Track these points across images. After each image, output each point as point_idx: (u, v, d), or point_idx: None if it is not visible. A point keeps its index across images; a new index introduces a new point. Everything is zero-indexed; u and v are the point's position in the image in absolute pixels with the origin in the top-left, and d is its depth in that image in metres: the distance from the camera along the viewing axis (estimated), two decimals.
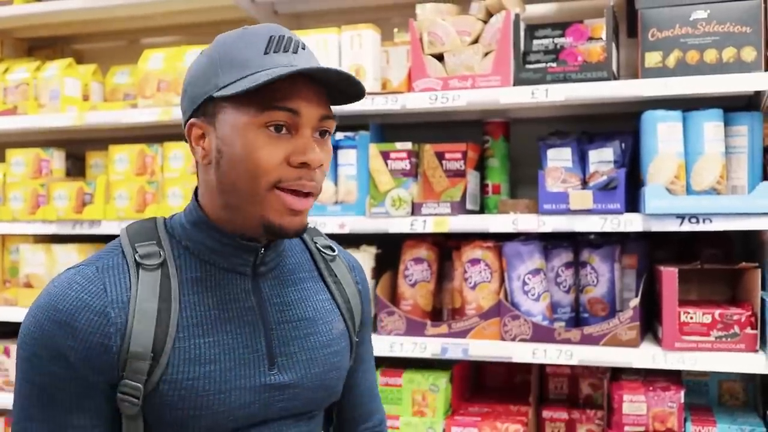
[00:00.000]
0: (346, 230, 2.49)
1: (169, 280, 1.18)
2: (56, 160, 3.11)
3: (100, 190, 2.86)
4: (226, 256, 1.23)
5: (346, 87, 1.21)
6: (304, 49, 1.21)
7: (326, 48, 2.54)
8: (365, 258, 2.58)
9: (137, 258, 1.18)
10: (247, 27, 1.22)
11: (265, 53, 1.16)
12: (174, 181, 2.80)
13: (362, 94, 1.23)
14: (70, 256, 2.93)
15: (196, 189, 1.28)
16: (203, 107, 1.19)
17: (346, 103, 1.26)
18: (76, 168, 3.27)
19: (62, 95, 2.95)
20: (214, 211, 1.23)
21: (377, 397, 1.52)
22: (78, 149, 3.28)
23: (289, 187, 1.16)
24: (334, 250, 1.41)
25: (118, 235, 1.25)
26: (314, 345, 1.28)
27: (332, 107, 1.23)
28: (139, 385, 1.12)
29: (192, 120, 1.21)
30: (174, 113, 2.71)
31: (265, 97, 1.14)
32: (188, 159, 2.80)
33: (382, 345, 2.42)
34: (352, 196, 2.56)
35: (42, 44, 3.50)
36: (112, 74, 3.12)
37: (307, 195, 1.19)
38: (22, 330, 1.16)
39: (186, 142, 1.25)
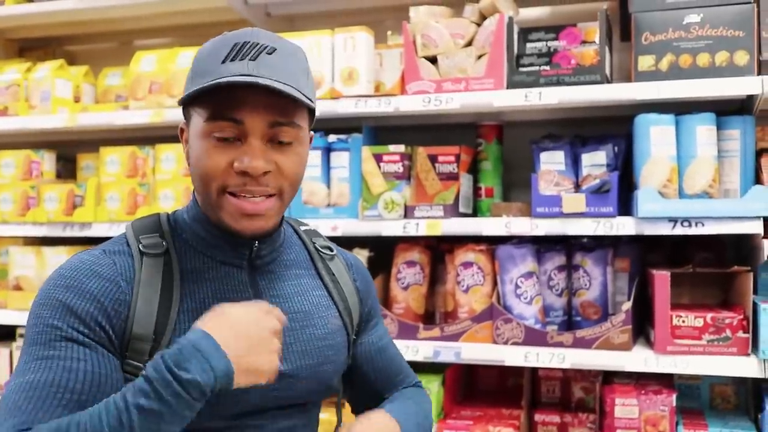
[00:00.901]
0: (338, 233, 2.48)
1: (171, 269, 1.23)
2: (47, 161, 3.09)
3: (91, 192, 2.85)
4: (223, 249, 1.28)
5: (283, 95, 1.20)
6: (270, 54, 1.20)
7: (319, 50, 2.54)
8: None
9: (141, 248, 1.23)
10: (226, 33, 1.25)
11: (223, 62, 1.19)
12: (165, 183, 2.79)
13: (309, 105, 1.24)
14: (60, 258, 2.92)
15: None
16: (184, 112, 1.28)
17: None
18: (67, 170, 3.25)
19: (53, 96, 2.93)
20: (202, 207, 1.29)
21: (402, 365, 1.55)
22: (69, 151, 3.26)
23: (237, 193, 1.21)
24: (332, 250, 1.46)
25: (110, 238, 1.32)
26: (309, 337, 1.31)
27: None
28: (140, 365, 1.16)
29: (182, 123, 1.31)
30: (166, 115, 2.70)
31: (214, 106, 1.19)
32: (180, 161, 2.79)
33: None
34: (345, 198, 2.55)
35: (33, 45, 3.49)
36: (103, 76, 3.11)
37: (267, 197, 1.22)
38: (30, 312, 1.19)
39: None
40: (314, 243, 1.44)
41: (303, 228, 1.47)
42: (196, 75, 1.22)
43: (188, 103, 1.23)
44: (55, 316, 1.15)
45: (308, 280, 1.38)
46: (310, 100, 1.24)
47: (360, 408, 1.51)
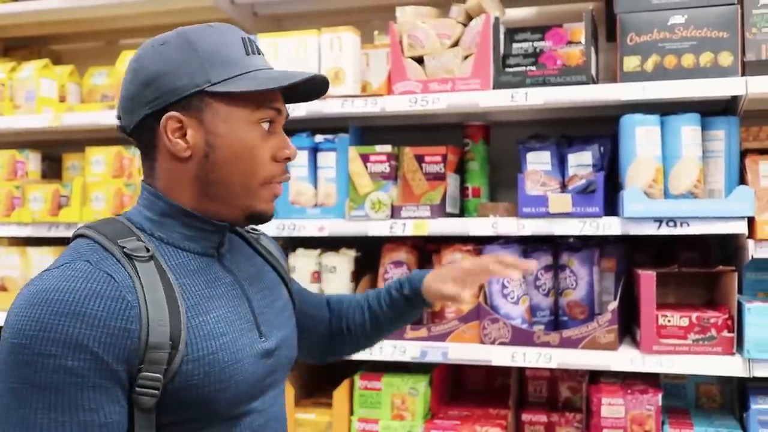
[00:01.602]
0: (325, 233, 2.48)
1: (164, 270, 1.19)
2: (32, 161, 3.07)
3: (77, 192, 2.83)
4: (198, 241, 1.27)
5: (311, 92, 1.33)
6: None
7: (306, 50, 2.53)
8: (345, 261, 2.57)
9: (127, 251, 1.15)
10: (212, 24, 1.26)
11: (247, 54, 1.24)
12: None
13: (323, 94, 1.35)
14: (46, 258, 2.90)
15: (147, 182, 1.28)
16: (184, 100, 1.20)
17: (302, 101, 1.37)
18: (52, 170, 3.23)
19: (38, 96, 2.91)
20: (183, 202, 1.26)
21: (317, 294, 1.74)
22: (54, 151, 3.24)
23: (279, 181, 1.28)
24: (257, 230, 1.52)
25: (76, 238, 1.21)
26: (278, 311, 1.38)
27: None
28: (159, 375, 1.11)
29: (171, 113, 1.20)
30: None
31: (260, 95, 1.22)
32: None
33: None
34: (332, 198, 2.55)
35: (18, 45, 3.46)
36: (89, 75, 3.09)
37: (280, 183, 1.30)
38: (7, 336, 1.06)
39: (127, 134, 1.27)
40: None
41: None
42: (217, 64, 1.20)
43: (203, 91, 1.20)
44: (65, 354, 1.03)
45: (256, 259, 1.43)
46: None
47: (311, 352, 1.70)
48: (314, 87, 1.31)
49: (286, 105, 1.31)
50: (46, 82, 2.96)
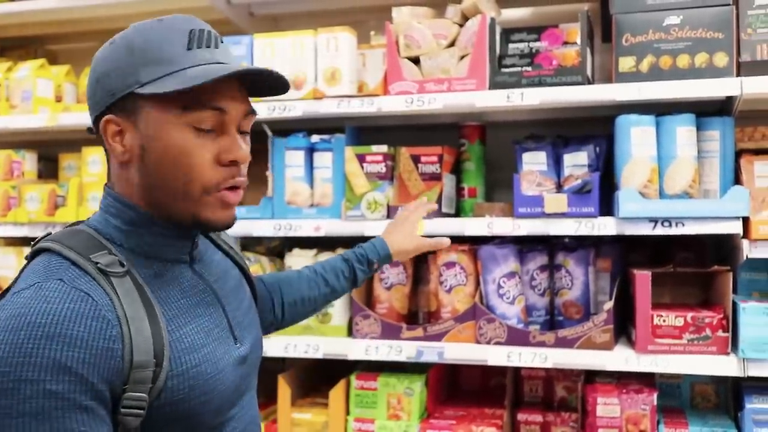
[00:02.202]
0: (321, 233, 2.48)
1: (140, 285, 1.13)
2: (28, 161, 3.07)
3: (73, 192, 2.83)
4: (169, 248, 1.21)
5: (274, 83, 1.22)
6: (222, 42, 1.20)
7: (302, 50, 2.53)
8: None
9: (101, 267, 1.10)
10: (163, 18, 1.19)
11: (188, 48, 1.14)
12: None
13: (288, 88, 1.25)
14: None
15: (108, 189, 1.23)
16: (121, 102, 1.15)
17: (268, 95, 1.27)
18: (49, 170, 3.23)
19: (34, 96, 2.91)
20: (146, 207, 1.19)
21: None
22: (50, 151, 3.24)
23: (227, 187, 1.17)
24: None
25: (41, 252, 1.14)
26: (245, 311, 1.35)
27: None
28: (144, 395, 1.07)
29: (109, 116, 1.16)
30: None
31: (191, 95, 1.12)
32: None
33: (358, 348, 2.41)
34: (328, 199, 2.55)
35: (14, 44, 3.46)
36: (85, 75, 3.09)
37: (238, 188, 1.20)
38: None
39: (95, 136, 1.22)
40: None
41: None
42: (150, 62, 1.13)
43: (133, 92, 1.13)
44: (47, 378, 0.98)
45: (220, 257, 1.38)
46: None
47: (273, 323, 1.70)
48: (277, 81, 1.22)
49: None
50: (43, 82, 2.96)
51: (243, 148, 1.18)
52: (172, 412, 1.12)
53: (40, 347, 0.98)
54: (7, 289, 1.12)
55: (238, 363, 1.25)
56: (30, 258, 1.17)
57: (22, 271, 1.15)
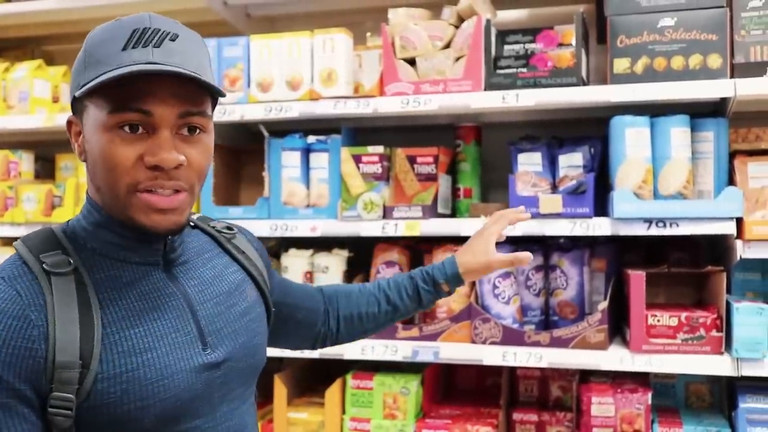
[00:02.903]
0: (317, 233, 2.49)
1: (84, 285, 1.13)
2: (25, 161, 3.07)
3: (70, 192, 2.84)
4: (136, 250, 1.20)
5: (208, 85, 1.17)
6: (174, 41, 1.15)
7: (299, 51, 2.54)
8: (337, 261, 2.58)
9: (45, 267, 1.12)
10: (120, 18, 1.17)
11: (123, 49, 1.12)
12: None
13: (219, 93, 1.18)
14: None
15: (87, 191, 1.25)
16: (77, 104, 1.18)
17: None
18: (46, 170, 3.23)
19: (31, 96, 2.92)
20: (104, 208, 1.19)
21: (306, 285, 1.69)
22: (47, 151, 3.25)
23: (147, 189, 1.14)
24: (233, 229, 1.44)
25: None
26: (235, 316, 1.29)
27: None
28: (70, 395, 1.07)
29: (70, 117, 1.21)
30: None
31: (118, 96, 1.11)
32: None
33: (354, 348, 2.42)
34: (324, 199, 2.56)
35: (11, 45, 3.46)
36: None
37: (176, 192, 1.16)
38: None
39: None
40: (213, 227, 1.41)
41: (194, 216, 1.42)
42: (90, 64, 1.13)
43: (83, 94, 1.12)
44: None
45: (219, 260, 1.34)
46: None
47: (298, 341, 1.64)
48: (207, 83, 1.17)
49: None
50: (40, 83, 2.96)
51: (169, 151, 1.13)
52: (104, 415, 1.10)
53: None
54: None
55: (204, 370, 1.20)
56: None
57: None
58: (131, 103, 1.11)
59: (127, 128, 1.12)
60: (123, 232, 1.18)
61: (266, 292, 1.42)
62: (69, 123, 1.21)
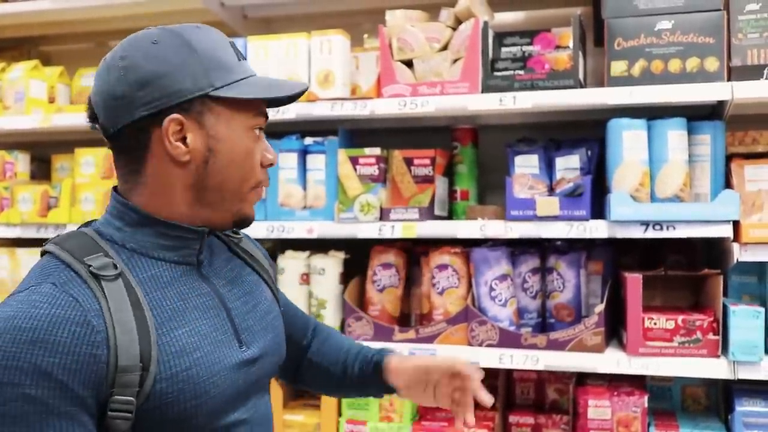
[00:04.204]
0: (314, 235, 2.48)
1: (132, 287, 1.14)
2: (21, 162, 3.07)
3: (66, 193, 2.83)
4: (175, 249, 1.23)
5: (284, 99, 1.29)
6: None
7: (296, 53, 2.54)
8: (333, 263, 2.58)
9: (93, 270, 1.11)
10: (199, 26, 1.24)
11: (239, 59, 1.24)
12: None
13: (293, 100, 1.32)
14: (34, 260, 2.88)
15: (117, 190, 1.25)
16: (187, 103, 1.17)
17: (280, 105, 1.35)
18: (42, 171, 3.22)
19: (27, 97, 2.91)
20: (166, 209, 1.21)
21: (303, 313, 1.67)
22: (43, 152, 3.24)
23: (260, 184, 1.28)
24: (238, 234, 1.47)
25: (47, 254, 1.17)
26: (262, 315, 1.35)
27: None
28: (131, 398, 1.09)
29: (174, 116, 1.16)
30: None
31: (256, 103, 1.24)
32: None
33: None
34: (321, 201, 2.56)
35: (8, 45, 3.46)
36: (79, 76, 3.09)
37: None
38: None
39: (107, 136, 1.22)
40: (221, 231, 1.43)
41: None
42: (211, 68, 1.18)
43: (205, 95, 1.17)
44: (27, 382, 1.01)
45: (235, 263, 1.38)
46: None
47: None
48: (292, 96, 1.30)
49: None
50: (36, 83, 2.95)
51: (274, 152, 1.30)
52: (162, 415, 1.12)
53: (23, 352, 1.01)
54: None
55: (242, 366, 1.24)
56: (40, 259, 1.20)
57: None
58: (261, 108, 1.26)
59: (257, 130, 1.26)
60: (165, 231, 1.21)
61: (276, 294, 1.47)
62: (170, 122, 1.16)
